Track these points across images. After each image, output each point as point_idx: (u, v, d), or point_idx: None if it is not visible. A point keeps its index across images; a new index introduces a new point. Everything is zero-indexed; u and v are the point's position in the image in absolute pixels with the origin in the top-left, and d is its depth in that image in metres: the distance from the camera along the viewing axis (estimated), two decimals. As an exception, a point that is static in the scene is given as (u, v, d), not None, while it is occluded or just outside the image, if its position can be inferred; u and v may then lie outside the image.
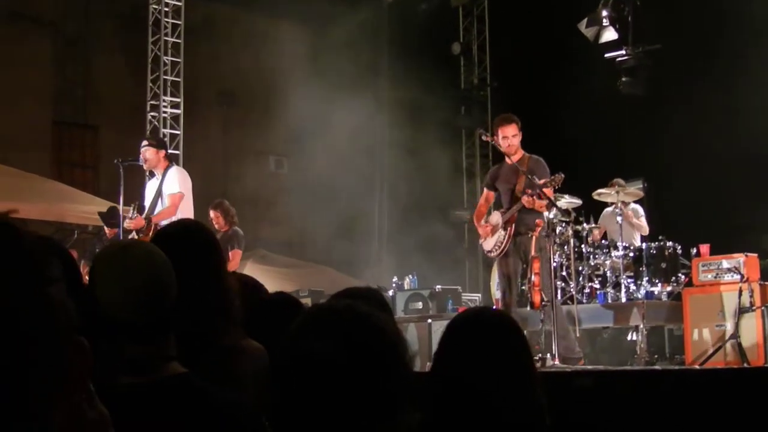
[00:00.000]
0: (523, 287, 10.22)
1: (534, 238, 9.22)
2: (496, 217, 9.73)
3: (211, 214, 12.25)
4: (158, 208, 10.25)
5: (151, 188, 10.54)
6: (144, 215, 10.22)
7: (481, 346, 2.73)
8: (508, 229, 9.46)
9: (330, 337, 2.02)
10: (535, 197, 9.29)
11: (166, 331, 2.60)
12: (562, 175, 9.27)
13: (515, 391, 2.72)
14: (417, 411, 2.34)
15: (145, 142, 10.66)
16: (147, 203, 10.46)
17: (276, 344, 2.18)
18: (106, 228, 13.16)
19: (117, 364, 2.51)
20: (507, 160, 9.75)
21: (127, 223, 10.27)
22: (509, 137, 9.61)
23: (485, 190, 10.12)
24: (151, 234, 9.62)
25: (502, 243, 9.56)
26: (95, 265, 2.62)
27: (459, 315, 2.94)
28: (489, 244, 9.82)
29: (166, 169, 10.40)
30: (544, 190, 9.27)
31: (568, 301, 11.17)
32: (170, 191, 10.23)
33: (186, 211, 10.20)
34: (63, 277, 1.50)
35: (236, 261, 12.05)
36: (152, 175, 10.67)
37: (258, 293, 4.25)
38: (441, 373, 2.76)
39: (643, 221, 12.63)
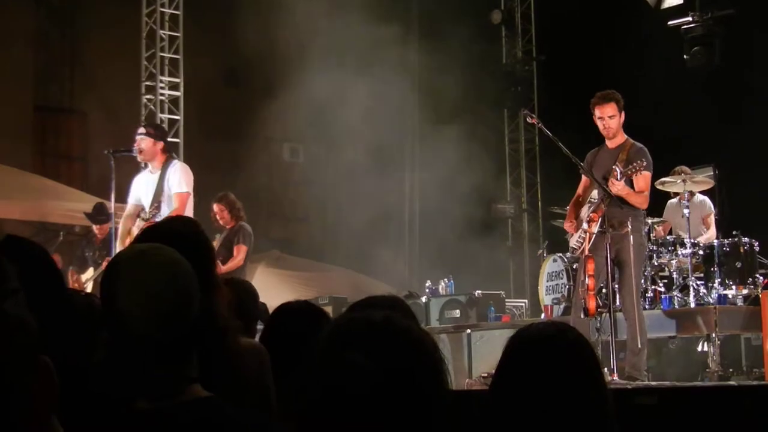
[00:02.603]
0: (604, 290, 10.17)
1: (608, 236, 9.25)
2: (585, 210, 9.76)
3: (215, 208, 12.33)
4: (164, 208, 10.31)
5: (146, 183, 10.57)
6: (149, 216, 10.27)
7: (560, 366, 2.76)
8: (591, 223, 9.46)
9: (368, 353, 2.05)
10: (622, 183, 9.33)
11: (190, 348, 2.59)
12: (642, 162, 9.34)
13: (591, 415, 2.76)
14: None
15: (142, 131, 10.70)
16: (142, 199, 10.51)
17: (297, 357, 2.20)
18: (95, 227, 13.24)
19: (134, 386, 2.51)
20: (607, 143, 9.82)
21: (141, 224, 10.34)
22: (605, 118, 9.63)
23: (583, 176, 10.10)
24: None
25: (583, 240, 9.58)
26: (110, 272, 2.62)
27: (531, 329, 2.95)
28: (573, 240, 9.92)
29: (166, 164, 10.46)
30: (638, 176, 9.38)
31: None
32: (178, 190, 10.32)
33: (188, 212, 10.30)
34: (19, 287, 1.48)
35: (240, 257, 12.10)
36: (145, 166, 10.73)
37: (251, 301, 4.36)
38: (506, 393, 2.78)
39: (711, 221, 12.54)
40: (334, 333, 2.14)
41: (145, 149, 10.42)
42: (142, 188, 10.58)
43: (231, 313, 3.60)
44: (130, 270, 2.58)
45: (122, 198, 10.72)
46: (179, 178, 10.36)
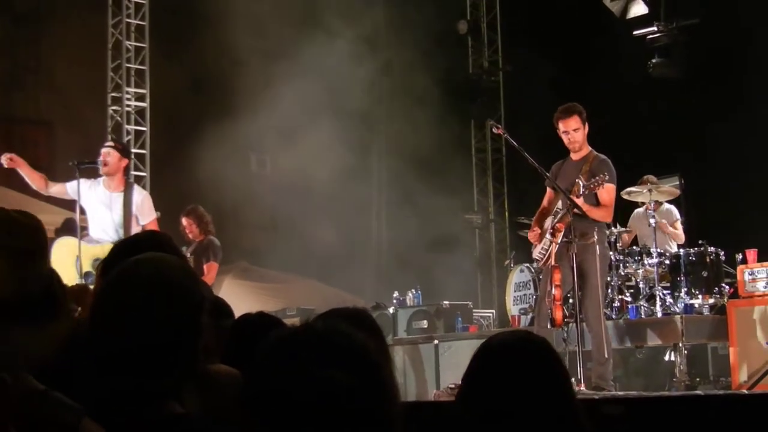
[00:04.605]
0: (570, 300, 10.21)
1: (574, 246, 9.28)
2: (549, 221, 9.78)
3: (183, 221, 12.26)
4: (134, 231, 10.26)
5: (107, 201, 10.42)
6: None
7: (527, 375, 2.78)
8: (557, 233, 9.48)
9: (308, 362, 2.02)
10: (581, 200, 9.35)
11: (169, 363, 2.55)
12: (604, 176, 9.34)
13: (559, 424, 2.77)
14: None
15: (109, 143, 10.69)
16: (96, 214, 10.43)
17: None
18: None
19: (99, 397, 2.48)
20: (571, 155, 9.86)
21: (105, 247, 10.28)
22: (570, 131, 9.70)
23: (548, 189, 10.14)
24: None
25: (546, 251, 9.60)
26: (100, 281, 2.60)
27: (498, 338, 2.96)
28: (536, 251, 9.92)
29: (128, 188, 10.46)
30: (601, 190, 9.40)
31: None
32: (150, 218, 10.47)
33: None
34: None
35: (212, 275, 12.07)
36: (91, 176, 10.61)
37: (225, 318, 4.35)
38: (475, 403, 2.79)
39: (678, 227, 12.62)
40: (275, 343, 2.11)
41: (111, 163, 10.36)
42: (96, 203, 10.44)
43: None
44: (116, 280, 2.55)
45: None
46: (147, 206, 10.55)
